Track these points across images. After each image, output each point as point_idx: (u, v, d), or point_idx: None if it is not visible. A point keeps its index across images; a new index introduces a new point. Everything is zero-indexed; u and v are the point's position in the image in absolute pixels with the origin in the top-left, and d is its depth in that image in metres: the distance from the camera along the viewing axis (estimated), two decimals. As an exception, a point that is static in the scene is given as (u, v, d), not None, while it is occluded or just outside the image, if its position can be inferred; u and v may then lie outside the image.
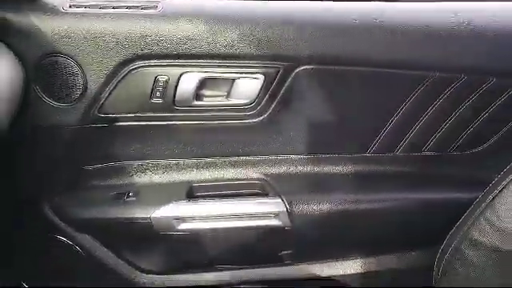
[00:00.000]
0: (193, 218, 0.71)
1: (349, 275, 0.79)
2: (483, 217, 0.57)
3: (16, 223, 0.75)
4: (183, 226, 0.71)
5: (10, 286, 0.81)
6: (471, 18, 0.67)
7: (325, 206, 0.72)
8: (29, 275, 0.81)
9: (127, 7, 0.64)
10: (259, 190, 0.75)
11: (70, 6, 0.63)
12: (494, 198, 0.56)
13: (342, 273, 0.79)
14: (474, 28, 0.65)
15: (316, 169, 0.76)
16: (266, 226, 0.72)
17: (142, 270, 0.80)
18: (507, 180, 0.54)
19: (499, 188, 0.55)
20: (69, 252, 0.77)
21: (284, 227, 0.72)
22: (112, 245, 0.77)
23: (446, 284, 0.62)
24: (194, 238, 0.73)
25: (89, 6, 0.64)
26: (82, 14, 0.63)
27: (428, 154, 0.76)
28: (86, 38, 0.62)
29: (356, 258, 0.79)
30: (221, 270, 0.79)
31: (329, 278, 0.79)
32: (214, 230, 0.72)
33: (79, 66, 0.64)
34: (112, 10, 0.63)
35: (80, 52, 0.63)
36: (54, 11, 0.62)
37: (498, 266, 0.55)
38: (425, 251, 0.77)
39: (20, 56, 0.62)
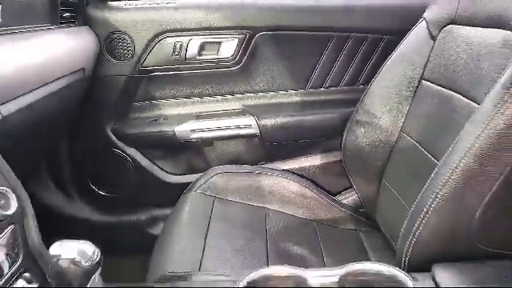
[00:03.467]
0: (201, 130, 1.16)
1: (304, 168, 1.22)
2: (359, 105, 1.02)
3: (88, 141, 1.20)
4: (195, 135, 1.16)
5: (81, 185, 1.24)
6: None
7: (283, 119, 1.16)
8: (94, 177, 1.25)
9: (157, 4, 1.11)
10: (241, 114, 1.20)
11: (125, 5, 1.11)
12: (364, 96, 1.02)
13: (297, 166, 1.22)
14: (359, 6, 1.13)
15: (279, 100, 1.22)
16: (245, 133, 1.17)
17: (168, 172, 1.24)
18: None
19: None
20: (122, 161, 1.21)
21: (255, 134, 1.17)
22: (149, 154, 1.21)
23: (348, 152, 1.05)
24: (203, 142, 1.18)
25: (135, 4, 1.11)
26: (132, 8, 1.10)
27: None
28: (134, 22, 1.09)
29: (308, 156, 1.22)
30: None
31: (289, 171, 1.22)
32: (213, 138, 1.17)
33: (130, 38, 1.10)
34: (148, 5, 1.11)
35: (131, 30, 1.10)
36: (116, 8, 1.10)
37: (368, 130, 0.99)
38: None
39: (97, 34, 1.09)
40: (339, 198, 1.16)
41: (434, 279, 0.53)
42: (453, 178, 0.59)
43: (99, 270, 0.44)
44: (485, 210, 0.58)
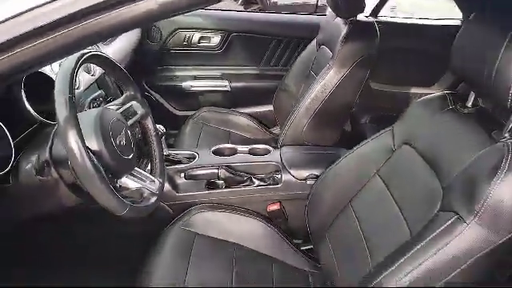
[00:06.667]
0: (196, 86, 2.05)
1: (254, 112, 2.13)
2: (283, 79, 1.92)
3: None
4: (193, 88, 2.06)
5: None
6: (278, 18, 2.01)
7: (245, 84, 2.06)
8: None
9: (176, 11, 1.95)
10: (220, 79, 2.09)
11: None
12: (286, 74, 1.91)
13: (251, 111, 2.13)
14: (281, 21, 2.00)
15: (242, 71, 2.10)
16: (222, 90, 2.07)
17: (176, 108, 2.14)
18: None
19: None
20: (149, 101, 2.09)
21: (228, 90, 2.07)
22: (166, 97, 2.11)
23: (275, 105, 1.97)
24: (198, 93, 2.08)
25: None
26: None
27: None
28: (162, 20, 1.93)
29: (257, 106, 2.13)
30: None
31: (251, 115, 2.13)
32: (204, 91, 2.07)
33: (159, 30, 1.96)
34: (171, 12, 1.94)
35: (160, 25, 1.95)
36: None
37: (285, 94, 1.91)
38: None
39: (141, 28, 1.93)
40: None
41: (280, 152, 1.47)
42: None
43: (165, 135, 1.36)
44: (312, 117, 1.51)
